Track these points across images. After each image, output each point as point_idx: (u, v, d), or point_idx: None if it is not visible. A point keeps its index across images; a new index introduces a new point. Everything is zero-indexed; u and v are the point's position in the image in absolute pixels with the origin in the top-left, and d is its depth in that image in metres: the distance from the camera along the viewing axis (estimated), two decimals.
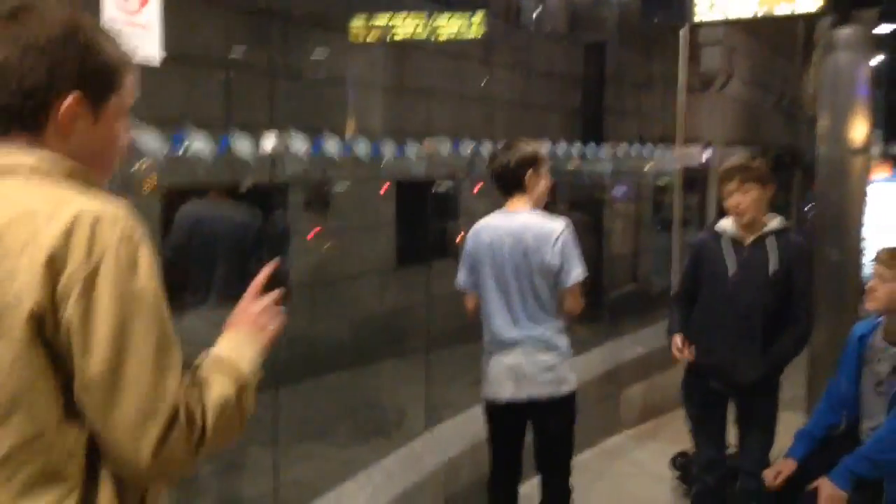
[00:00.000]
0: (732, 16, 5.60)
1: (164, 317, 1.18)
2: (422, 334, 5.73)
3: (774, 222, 3.64)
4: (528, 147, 3.37)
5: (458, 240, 8.29)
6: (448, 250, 8.30)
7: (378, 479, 3.85)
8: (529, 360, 3.31)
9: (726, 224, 3.69)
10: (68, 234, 1.11)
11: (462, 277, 3.46)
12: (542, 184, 3.39)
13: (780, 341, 3.57)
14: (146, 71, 3.07)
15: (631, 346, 6.42)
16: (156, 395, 1.13)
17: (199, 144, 3.34)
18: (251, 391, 1.31)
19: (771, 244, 3.58)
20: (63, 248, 1.10)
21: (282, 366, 5.14)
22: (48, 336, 1.12)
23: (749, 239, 3.62)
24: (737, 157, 3.84)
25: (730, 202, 3.60)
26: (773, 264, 3.55)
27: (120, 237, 1.14)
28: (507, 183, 3.35)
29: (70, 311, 1.10)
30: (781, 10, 5.40)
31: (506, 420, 3.45)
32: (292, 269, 6.41)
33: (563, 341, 3.39)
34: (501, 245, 3.30)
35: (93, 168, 1.26)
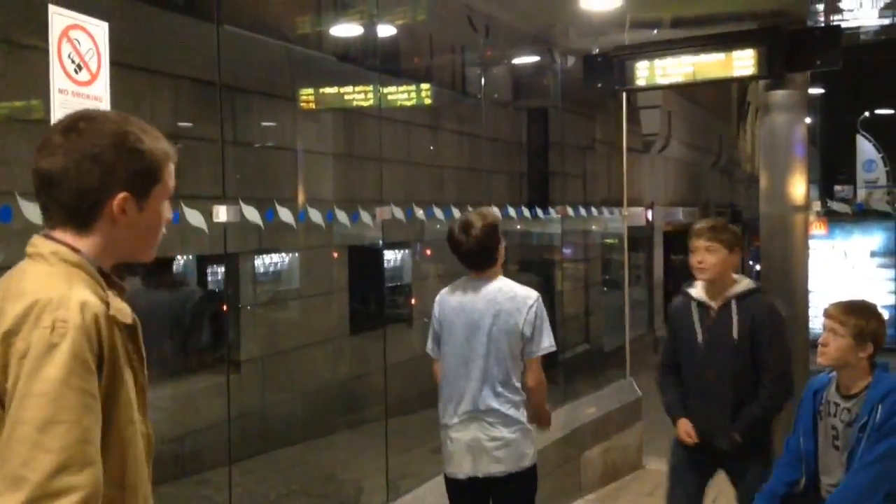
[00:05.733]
0: (671, 80, 5.81)
1: (62, 403, 1.27)
2: (378, 403, 5.63)
3: (740, 286, 3.61)
4: (487, 220, 3.27)
5: (412, 303, 8.28)
6: (402, 315, 8.26)
7: None
8: (487, 435, 3.23)
9: (695, 289, 3.70)
10: (24, 314, 1.30)
11: (429, 343, 3.41)
12: (503, 250, 3.39)
13: (749, 406, 3.57)
14: None
15: (588, 407, 6.40)
16: (25, 468, 1.23)
17: None
18: None
19: (735, 309, 3.56)
20: (17, 326, 1.30)
21: (234, 442, 4.99)
22: (2, 397, 1.30)
23: (715, 304, 3.61)
24: (710, 218, 3.88)
25: (694, 258, 3.59)
26: (735, 330, 3.53)
27: (51, 324, 1.29)
28: (480, 262, 3.29)
29: (8, 377, 1.29)
30: (718, 74, 5.62)
31: (465, 496, 3.36)
32: (242, 341, 6.29)
33: (522, 415, 3.33)
34: (473, 311, 3.25)
35: (137, 248, 1.50)
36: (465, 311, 3.27)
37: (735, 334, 3.53)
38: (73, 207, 1.41)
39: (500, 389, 3.25)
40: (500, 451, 3.24)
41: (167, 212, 1.52)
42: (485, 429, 3.24)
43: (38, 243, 1.42)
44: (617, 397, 6.58)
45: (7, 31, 4.26)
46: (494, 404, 3.24)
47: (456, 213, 5.96)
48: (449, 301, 3.33)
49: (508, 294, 3.26)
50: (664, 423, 7.14)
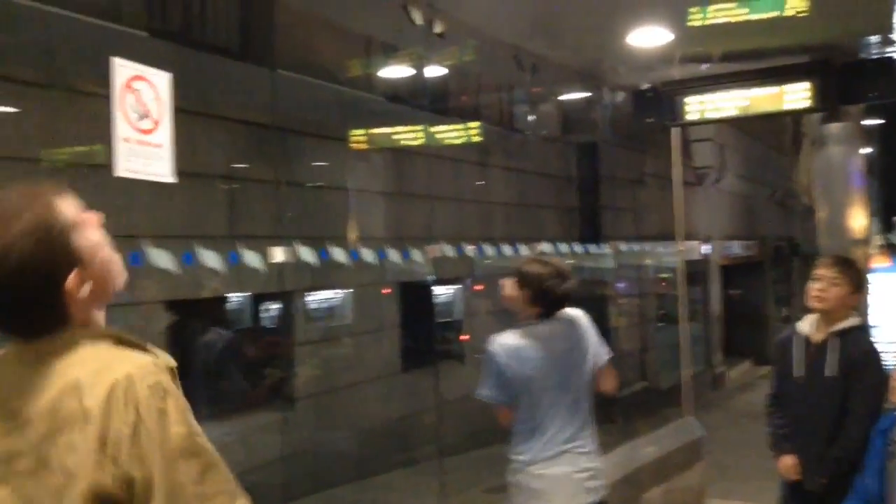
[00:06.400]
0: (723, 115, 5.75)
1: (201, 449, 1.30)
2: (431, 441, 5.60)
3: (844, 322, 3.51)
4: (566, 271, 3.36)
5: (463, 339, 8.27)
6: (453, 352, 8.24)
7: None
8: (578, 467, 3.24)
9: (803, 322, 3.62)
10: (108, 401, 1.24)
11: (491, 392, 3.28)
12: None
13: (831, 448, 3.48)
14: (154, 188, 3.12)
15: (647, 446, 6.26)
16: None
17: (209, 259, 3.37)
18: None
19: (833, 346, 3.47)
20: (107, 416, 1.23)
21: (287, 481, 5.01)
22: (112, 497, 1.23)
23: (818, 338, 3.52)
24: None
25: (815, 286, 3.49)
26: (829, 368, 3.44)
27: (149, 393, 1.26)
28: (562, 307, 3.32)
29: (125, 466, 1.23)
30: (770, 108, 5.55)
31: None
32: (296, 378, 6.33)
33: (597, 446, 3.35)
34: (554, 350, 3.24)
35: (108, 290, 1.40)
36: (545, 352, 3.24)
37: (830, 371, 3.45)
38: (36, 318, 1.31)
39: (584, 422, 3.28)
40: (590, 482, 3.25)
41: (104, 236, 1.40)
42: (575, 462, 3.23)
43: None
44: (677, 436, 6.43)
45: (69, 79, 4.44)
46: (581, 437, 3.26)
47: (507, 249, 5.95)
48: (524, 346, 3.25)
49: (571, 322, 3.31)
50: (726, 463, 6.96)
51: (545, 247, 6.22)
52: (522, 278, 3.27)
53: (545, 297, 3.25)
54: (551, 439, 3.22)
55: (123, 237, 4.39)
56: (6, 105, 4.18)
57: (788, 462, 3.59)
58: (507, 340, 3.27)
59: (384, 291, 7.27)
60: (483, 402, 3.35)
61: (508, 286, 3.31)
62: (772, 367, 3.88)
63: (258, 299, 6.61)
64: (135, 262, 3.67)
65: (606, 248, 7.78)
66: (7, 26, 4.05)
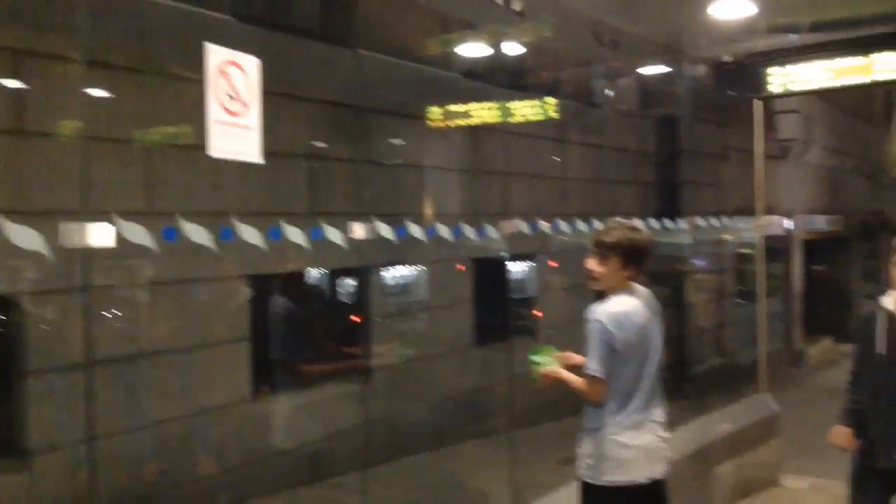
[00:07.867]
0: (808, 87, 5.61)
1: None
2: (504, 414, 5.69)
3: None
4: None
5: (536, 315, 8.32)
6: (526, 327, 8.30)
7: None
8: (657, 437, 3.27)
9: (888, 298, 3.59)
10: None
11: (601, 366, 3.19)
12: None
13: None
14: (239, 166, 3.28)
15: (720, 422, 6.23)
16: None
17: (293, 234, 3.53)
18: None
19: None
20: None
21: (364, 449, 5.19)
22: None
23: None
24: None
25: (894, 271, 3.50)
26: None
27: None
28: (648, 257, 3.34)
29: None
30: (857, 78, 5.39)
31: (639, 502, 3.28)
32: (374, 350, 6.52)
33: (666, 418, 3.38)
34: (645, 319, 3.24)
35: None
36: (643, 319, 3.24)
37: None
38: None
39: (660, 392, 3.30)
40: (664, 452, 3.29)
41: None
42: (655, 431, 3.26)
43: None
44: (750, 412, 6.38)
45: (160, 64, 4.65)
46: (659, 406, 3.30)
47: (582, 225, 5.96)
48: (629, 312, 3.22)
49: (646, 292, 3.33)
50: (803, 440, 6.86)
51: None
52: (606, 247, 3.22)
53: (636, 255, 3.24)
54: (638, 409, 3.23)
55: (212, 213, 4.61)
56: (103, 89, 4.40)
57: (841, 431, 3.66)
58: (613, 308, 3.21)
59: (458, 267, 7.37)
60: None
61: (592, 263, 3.26)
62: (853, 343, 3.84)
63: (334, 274, 6.80)
64: (225, 237, 3.86)
65: (683, 224, 7.67)
66: (105, 15, 4.27)
